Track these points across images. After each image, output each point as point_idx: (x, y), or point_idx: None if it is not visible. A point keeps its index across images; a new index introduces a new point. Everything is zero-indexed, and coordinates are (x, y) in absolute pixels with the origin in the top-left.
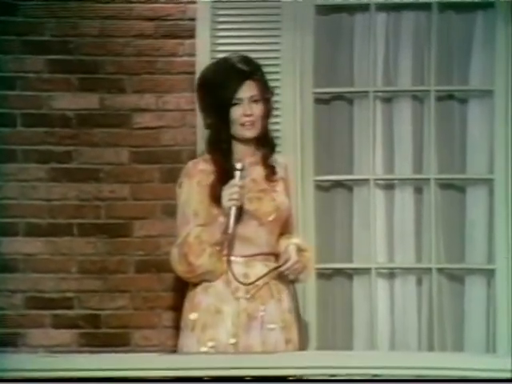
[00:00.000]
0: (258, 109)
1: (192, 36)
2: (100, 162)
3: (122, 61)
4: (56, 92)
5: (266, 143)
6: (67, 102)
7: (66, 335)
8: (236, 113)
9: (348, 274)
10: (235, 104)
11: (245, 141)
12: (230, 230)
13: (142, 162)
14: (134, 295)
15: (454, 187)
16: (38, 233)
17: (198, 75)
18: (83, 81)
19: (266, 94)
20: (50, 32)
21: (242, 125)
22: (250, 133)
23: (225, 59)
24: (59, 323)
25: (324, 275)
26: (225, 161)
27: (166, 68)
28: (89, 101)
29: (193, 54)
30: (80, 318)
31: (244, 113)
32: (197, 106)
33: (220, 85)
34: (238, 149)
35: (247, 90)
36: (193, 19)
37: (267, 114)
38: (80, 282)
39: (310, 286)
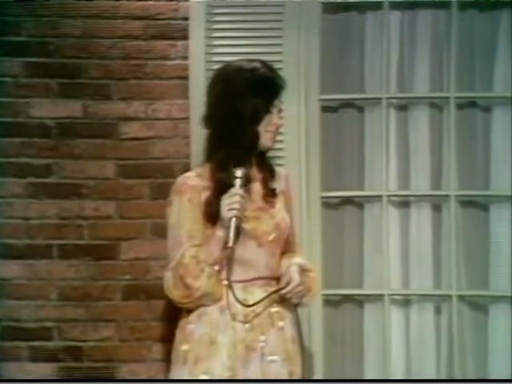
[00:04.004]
0: (280, 120)
1: (185, 37)
2: (83, 176)
3: (107, 64)
4: (34, 98)
5: (266, 163)
6: (47, 109)
7: (44, 369)
8: (266, 121)
9: (358, 301)
10: (268, 113)
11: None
12: (231, 244)
13: (129, 176)
14: (120, 325)
15: (477, 205)
16: (13, 255)
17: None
18: (64, 86)
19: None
20: (27, 32)
21: (268, 132)
22: (271, 143)
23: (255, 70)
24: (37, 356)
25: (332, 302)
26: (225, 170)
27: (157, 72)
28: (71, 108)
29: (186, 57)
30: (60, 349)
31: (275, 122)
32: (190, 115)
33: (256, 96)
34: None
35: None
36: (186, 18)
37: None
38: (60, 310)
39: (316, 314)
